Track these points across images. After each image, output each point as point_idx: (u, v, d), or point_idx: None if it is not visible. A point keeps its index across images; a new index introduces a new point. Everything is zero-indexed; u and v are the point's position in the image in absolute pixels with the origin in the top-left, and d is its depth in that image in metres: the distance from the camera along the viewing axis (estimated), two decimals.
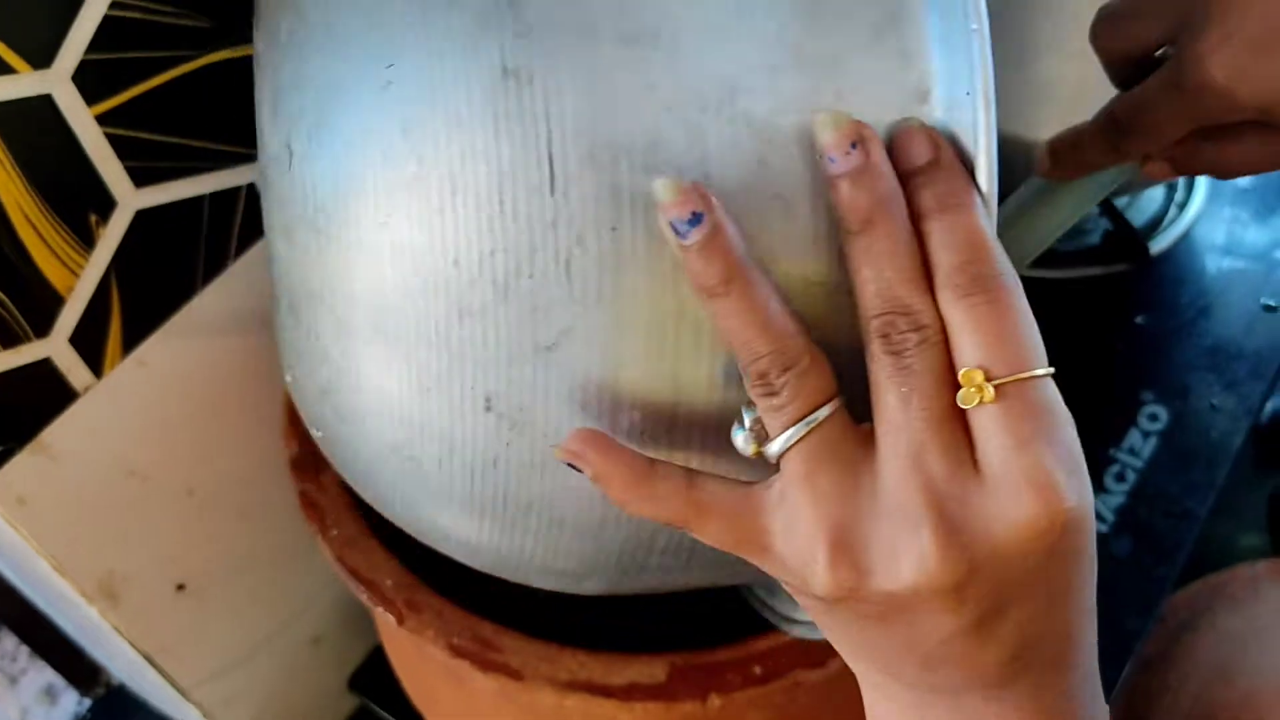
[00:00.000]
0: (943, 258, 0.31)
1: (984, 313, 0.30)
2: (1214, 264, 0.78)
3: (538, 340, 0.33)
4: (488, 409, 0.34)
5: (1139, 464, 0.69)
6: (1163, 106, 0.41)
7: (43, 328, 0.50)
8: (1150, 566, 0.66)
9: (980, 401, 0.30)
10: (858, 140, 0.32)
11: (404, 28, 0.33)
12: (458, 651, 0.47)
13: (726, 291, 0.31)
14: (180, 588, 0.61)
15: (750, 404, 0.33)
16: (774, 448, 0.32)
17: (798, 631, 0.48)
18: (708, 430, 0.35)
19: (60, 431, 0.52)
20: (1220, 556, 0.83)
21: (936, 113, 0.33)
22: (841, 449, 0.31)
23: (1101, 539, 0.66)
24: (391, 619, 0.48)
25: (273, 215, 0.37)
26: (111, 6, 0.46)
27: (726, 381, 0.34)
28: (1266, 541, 0.89)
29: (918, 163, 0.32)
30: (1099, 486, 0.68)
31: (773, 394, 0.31)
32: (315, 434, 0.41)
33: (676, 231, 0.31)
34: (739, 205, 0.32)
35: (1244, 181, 0.83)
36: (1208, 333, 0.74)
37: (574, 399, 0.33)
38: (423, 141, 0.32)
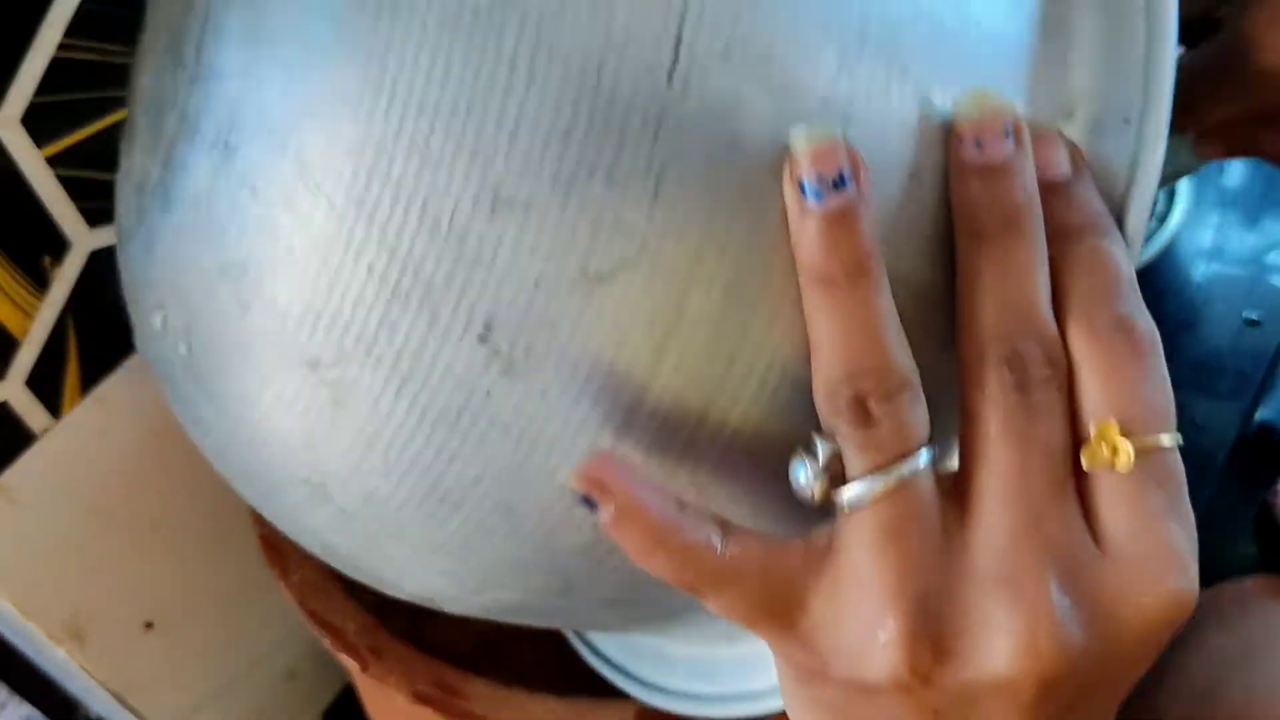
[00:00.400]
0: (1082, 287, 0.27)
1: (1126, 359, 0.26)
2: (1200, 270, 0.77)
3: (587, 265, 0.25)
4: (482, 339, 0.26)
5: None
6: (1211, 85, 0.36)
7: None
8: None
9: (1112, 464, 0.26)
10: (1013, 129, 0.27)
11: None
12: (421, 699, 0.46)
13: (848, 285, 0.25)
14: (149, 626, 0.60)
15: (823, 432, 0.26)
16: (852, 494, 0.26)
17: (658, 701, 0.44)
18: (734, 448, 0.28)
19: (19, 474, 0.51)
20: (1212, 569, 0.82)
21: (1075, 134, 0.28)
22: (933, 505, 0.26)
23: None
24: (355, 665, 0.48)
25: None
26: (59, 48, 0.46)
27: (779, 391, 0.27)
28: (1258, 551, 0.88)
29: (1057, 176, 0.27)
30: None
31: (868, 425, 0.25)
32: (154, 323, 0.31)
33: (804, 192, 0.25)
34: (877, 171, 0.26)
35: (1231, 185, 0.82)
36: (1190, 348, 0.73)
37: (601, 356, 0.26)
38: None
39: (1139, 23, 0.28)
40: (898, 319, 0.26)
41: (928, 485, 0.26)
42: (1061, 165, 0.28)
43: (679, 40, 0.25)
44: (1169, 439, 0.26)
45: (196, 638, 0.63)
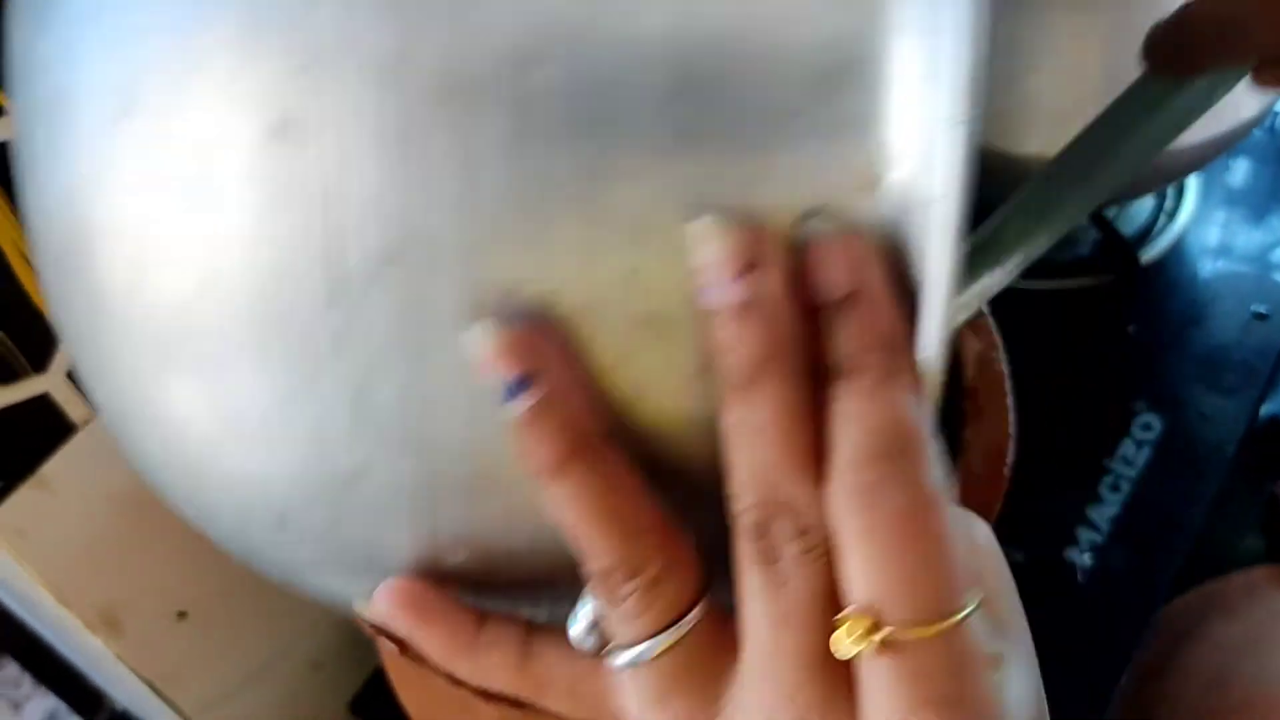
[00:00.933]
0: (847, 440, 0.23)
1: (889, 532, 0.22)
2: (1207, 267, 0.79)
3: (334, 469, 0.26)
4: (281, 527, 0.27)
5: (1133, 473, 0.69)
6: (1268, 6, 0.31)
7: (40, 363, 0.50)
8: (1146, 576, 0.66)
9: (862, 654, 0.23)
10: (752, 263, 0.22)
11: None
12: (458, 680, 0.47)
13: (563, 475, 0.24)
14: (181, 615, 0.61)
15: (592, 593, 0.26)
16: (621, 661, 0.25)
17: None
18: (551, 582, 0.27)
19: (59, 465, 0.52)
20: (1221, 560, 0.83)
21: (883, 209, 0.23)
22: (703, 662, 0.25)
23: (1097, 549, 0.67)
24: (393, 648, 0.48)
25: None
26: None
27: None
28: (1265, 543, 0.89)
29: (833, 294, 0.23)
30: (1094, 496, 0.68)
31: (626, 608, 0.25)
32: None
33: (502, 392, 0.23)
34: (597, 326, 0.23)
35: (1237, 183, 0.83)
36: (1199, 341, 0.74)
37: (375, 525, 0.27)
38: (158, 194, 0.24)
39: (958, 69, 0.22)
40: (632, 491, 0.24)
41: (694, 646, 0.25)
42: (838, 281, 0.23)
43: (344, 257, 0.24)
44: (941, 623, 0.22)
45: (227, 627, 0.64)
